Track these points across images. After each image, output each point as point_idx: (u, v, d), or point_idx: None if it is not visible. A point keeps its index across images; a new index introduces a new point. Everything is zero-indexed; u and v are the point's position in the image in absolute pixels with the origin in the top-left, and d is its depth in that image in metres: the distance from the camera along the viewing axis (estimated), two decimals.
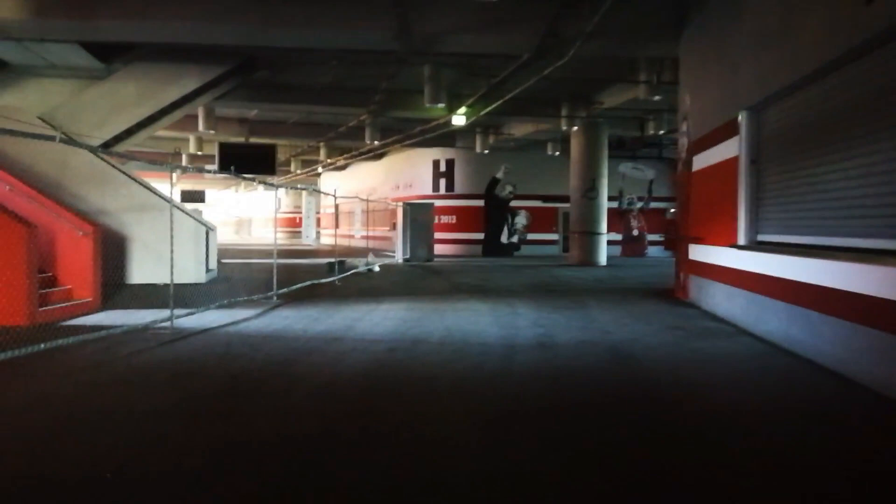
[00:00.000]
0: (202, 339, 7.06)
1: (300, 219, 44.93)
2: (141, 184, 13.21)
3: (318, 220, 43.24)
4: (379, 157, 30.69)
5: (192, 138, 26.38)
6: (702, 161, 9.92)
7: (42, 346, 6.02)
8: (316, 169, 33.98)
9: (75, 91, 14.66)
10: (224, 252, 24.82)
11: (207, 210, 57.69)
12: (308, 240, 37.48)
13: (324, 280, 13.32)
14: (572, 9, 10.45)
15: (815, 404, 4.87)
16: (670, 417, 4.47)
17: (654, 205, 28.17)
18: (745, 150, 8.23)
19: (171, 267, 7.74)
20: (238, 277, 15.07)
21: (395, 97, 17.87)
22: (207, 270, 14.36)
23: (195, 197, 51.55)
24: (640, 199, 28.07)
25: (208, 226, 14.96)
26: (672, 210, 28.54)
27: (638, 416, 4.45)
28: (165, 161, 14.39)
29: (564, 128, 19.47)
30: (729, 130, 8.65)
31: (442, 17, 11.38)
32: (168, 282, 12.74)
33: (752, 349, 6.90)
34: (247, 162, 19.40)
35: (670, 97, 15.19)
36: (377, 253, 23.03)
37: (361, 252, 22.21)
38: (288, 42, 12.03)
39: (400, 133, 22.48)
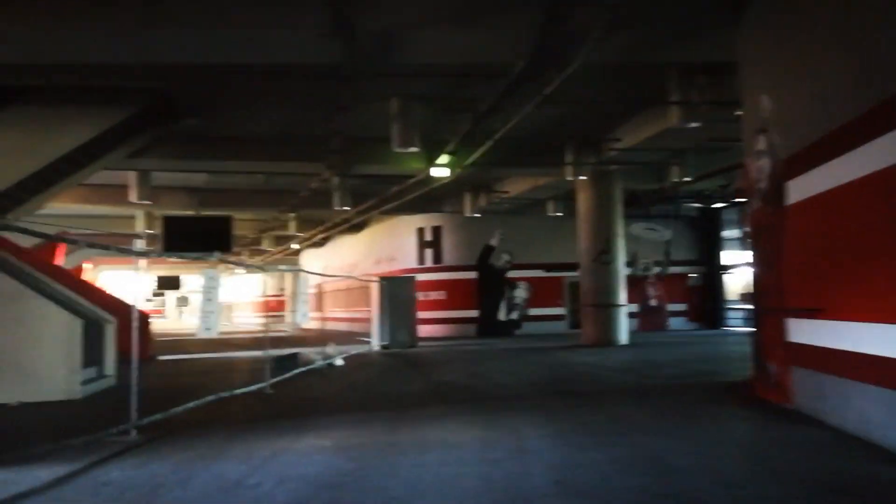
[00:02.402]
0: None
1: (279, 302, 41.07)
2: None
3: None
4: (358, 228, 27.17)
5: (139, 214, 22.96)
6: (813, 184, 6.22)
7: None
8: (289, 246, 30.37)
9: None
10: (173, 345, 20.76)
11: (193, 296, 53.88)
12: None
13: (246, 389, 9.34)
14: None
15: None
16: None
17: (672, 269, 24.47)
18: None
19: None
20: (147, 386, 11.04)
21: (358, 147, 14.44)
22: (97, 378, 10.45)
23: (170, 283, 47.81)
24: (656, 263, 24.37)
25: (101, 318, 11.13)
26: (693, 275, 24.86)
27: None
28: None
29: (569, 178, 15.96)
30: (880, 123, 5.02)
31: (394, 7, 7.99)
32: (24, 400, 8.99)
33: None
34: (197, 238, 16.03)
35: (705, 129, 11.82)
36: (350, 339, 19.08)
37: (344, 337, 18.24)
38: (183, 54, 8.57)
39: (375, 197, 19.02)
